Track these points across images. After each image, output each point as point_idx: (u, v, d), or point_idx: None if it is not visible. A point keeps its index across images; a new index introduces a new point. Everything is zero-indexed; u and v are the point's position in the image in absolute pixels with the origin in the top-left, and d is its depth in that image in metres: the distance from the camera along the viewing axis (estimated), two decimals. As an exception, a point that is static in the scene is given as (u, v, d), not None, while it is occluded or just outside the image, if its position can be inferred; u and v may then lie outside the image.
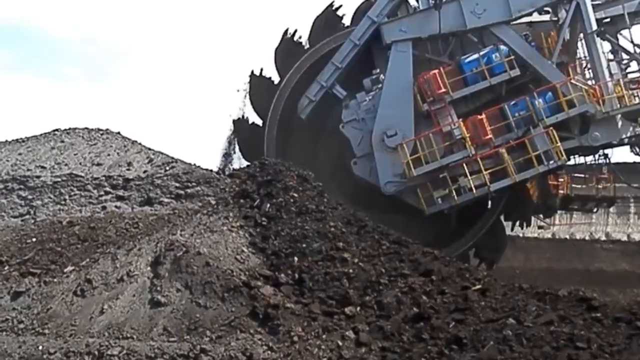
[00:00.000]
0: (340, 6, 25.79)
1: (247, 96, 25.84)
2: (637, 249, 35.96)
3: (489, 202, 23.65)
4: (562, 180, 27.58)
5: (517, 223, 27.20)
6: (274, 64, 25.54)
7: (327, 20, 25.48)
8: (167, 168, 16.00)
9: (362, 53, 24.32)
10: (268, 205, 13.71)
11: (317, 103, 24.34)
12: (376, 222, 14.21)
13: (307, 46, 25.49)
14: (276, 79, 25.58)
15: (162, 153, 16.97)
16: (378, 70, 23.99)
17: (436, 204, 22.69)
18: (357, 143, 23.70)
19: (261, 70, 25.74)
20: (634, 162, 30.69)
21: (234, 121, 26.40)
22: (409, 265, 12.12)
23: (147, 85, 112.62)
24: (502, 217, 25.63)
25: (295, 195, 13.98)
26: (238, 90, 26.28)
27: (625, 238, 37.56)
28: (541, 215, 29.56)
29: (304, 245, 12.55)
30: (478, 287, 11.45)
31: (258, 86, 25.55)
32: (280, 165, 15.23)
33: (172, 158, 16.62)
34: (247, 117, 26.32)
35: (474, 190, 22.11)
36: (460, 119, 22.86)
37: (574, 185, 27.94)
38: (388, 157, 23.05)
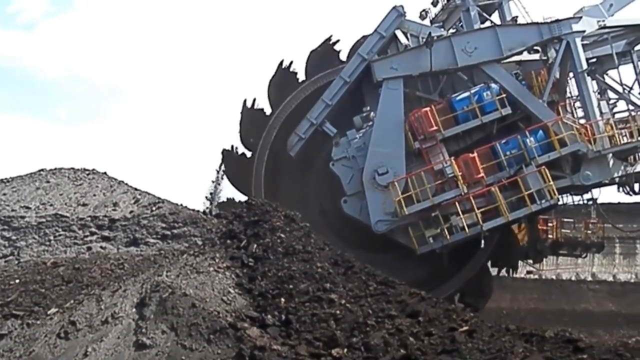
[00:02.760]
0: (338, 41, 26.54)
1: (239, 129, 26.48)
2: (623, 289, 36.84)
3: (482, 242, 23.94)
4: (551, 225, 28.20)
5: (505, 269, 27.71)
6: (267, 95, 26.17)
7: (324, 55, 26.16)
8: (154, 208, 16.37)
9: (353, 90, 24.95)
10: (255, 245, 14.10)
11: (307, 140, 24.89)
12: (364, 262, 14.64)
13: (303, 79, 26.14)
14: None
15: (148, 193, 17.36)
16: (368, 108, 24.58)
17: (428, 243, 23.02)
18: (347, 181, 24.16)
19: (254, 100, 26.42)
20: (619, 203, 31.65)
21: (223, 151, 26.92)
22: (396, 307, 12.47)
23: (137, 125, 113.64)
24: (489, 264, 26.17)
25: (282, 235, 14.38)
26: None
27: (611, 278, 38.50)
28: (530, 261, 30.09)
29: (290, 286, 12.91)
30: (465, 328, 11.78)
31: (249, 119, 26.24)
32: (267, 206, 15.66)
33: (159, 198, 17.01)
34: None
35: (467, 230, 22.50)
36: (452, 157, 23.39)
37: (563, 230, 28.58)
38: (379, 196, 23.46)
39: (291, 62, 26.32)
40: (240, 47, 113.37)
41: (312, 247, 14.24)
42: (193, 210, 16.55)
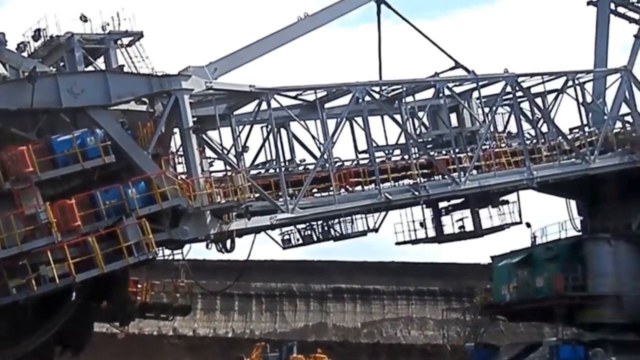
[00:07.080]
0: None
1: None
2: (202, 343, 40.34)
3: (74, 294, 23.37)
4: (140, 287, 29.24)
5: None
6: None
7: None
8: None
9: None
10: None
11: None
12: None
13: None
14: None
15: None
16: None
17: (11, 294, 22.12)
18: None
19: None
20: (204, 260, 34.71)
21: None
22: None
23: None
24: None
25: None
26: None
27: (191, 333, 41.70)
28: (117, 324, 30.63)
29: None
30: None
31: None
32: None
33: None
34: None
35: (57, 280, 22.18)
36: (47, 203, 22.82)
37: (152, 292, 29.89)
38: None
39: None
40: None
41: None
42: None
